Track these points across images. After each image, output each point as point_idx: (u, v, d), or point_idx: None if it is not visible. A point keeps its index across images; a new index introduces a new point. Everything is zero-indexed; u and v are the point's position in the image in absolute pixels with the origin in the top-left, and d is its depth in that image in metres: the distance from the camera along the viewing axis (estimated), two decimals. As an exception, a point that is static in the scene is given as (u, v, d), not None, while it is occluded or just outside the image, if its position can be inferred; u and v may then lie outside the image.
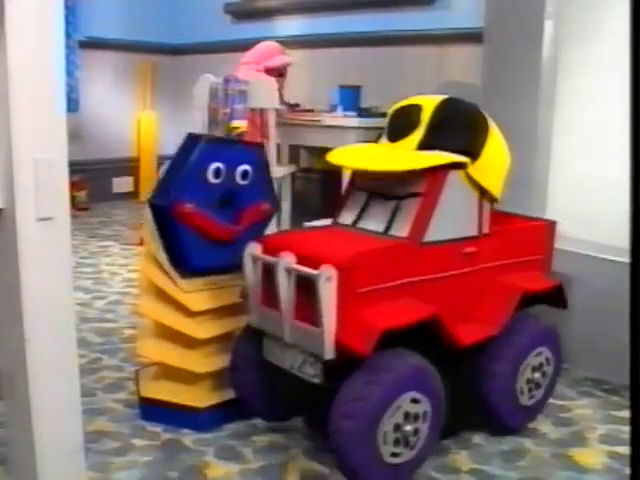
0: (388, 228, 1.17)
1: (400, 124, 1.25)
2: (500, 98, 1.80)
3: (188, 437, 1.29)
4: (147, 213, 1.27)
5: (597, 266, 1.59)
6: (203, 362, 1.31)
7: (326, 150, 1.30)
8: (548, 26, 1.69)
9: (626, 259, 0.79)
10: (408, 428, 1.06)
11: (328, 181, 3.25)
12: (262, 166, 1.31)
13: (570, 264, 1.66)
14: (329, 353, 1.04)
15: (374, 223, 1.20)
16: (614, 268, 1.52)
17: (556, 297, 1.36)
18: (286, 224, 3.12)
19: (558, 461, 1.25)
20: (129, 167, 4.03)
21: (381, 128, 1.33)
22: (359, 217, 1.23)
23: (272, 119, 2.83)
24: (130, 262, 2.58)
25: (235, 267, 1.27)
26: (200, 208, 1.22)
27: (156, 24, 4.05)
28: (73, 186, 3.42)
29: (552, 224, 1.41)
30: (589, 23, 1.70)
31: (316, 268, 1.03)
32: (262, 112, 2.84)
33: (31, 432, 0.92)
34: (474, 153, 1.20)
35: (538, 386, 1.32)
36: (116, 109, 3.99)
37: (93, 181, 3.74)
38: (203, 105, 2.87)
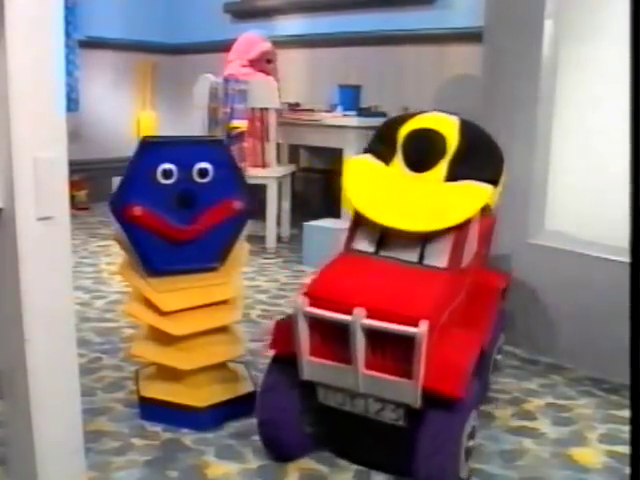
0: (422, 257, 1.15)
1: (423, 152, 1.21)
2: (500, 98, 1.80)
3: (188, 437, 1.29)
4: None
5: (597, 266, 1.60)
6: (186, 359, 1.30)
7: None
8: (548, 26, 1.68)
9: (626, 259, 0.79)
10: (471, 444, 1.12)
11: (328, 181, 3.25)
12: (226, 162, 1.27)
13: (570, 264, 1.66)
14: (420, 401, 1.04)
15: (403, 253, 1.16)
16: (614, 268, 1.52)
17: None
18: (286, 224, 3.12)
19: (558, 460, 1.25)
20: (129, 167, 4.02)
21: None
22: (380, 244, 1.19)
23: (272, 119, 2.84)
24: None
25: (205, 268, 1.27)
26: (152, 209, 1.21)
27: (156, 24, 4.05)
28: (73, 186, 3.42)
29: (494, 219, 1.47)
30: (589, 23, 1.70)
31: (395, 322, 1.02)
32: (262, 112, 2.84)
33: (31, 432, 0.92)
34: (497, 181, 1.22)
35: (497, 364, 1.53)
36: (116, 109, 3.99)
37: (93, 181, 3.74)
38: (203, 105, 2.88)
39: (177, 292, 1.28)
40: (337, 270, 1.16)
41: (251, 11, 3.78)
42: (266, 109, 2.83)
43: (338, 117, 2.83)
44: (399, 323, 1.02)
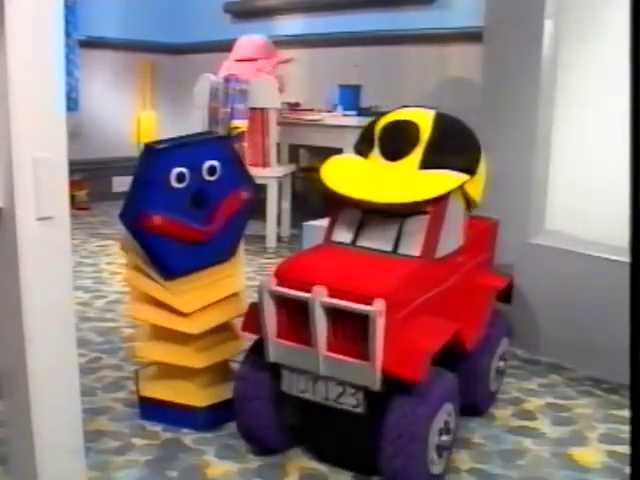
0: (396, 246, 1.16)
1: (397, 142, 1.23)
2: (500, 97, 1.80)
3: (188, 436, 1.29)
4: (122, 227, 1.26)
5: (597, 266, 1.60)
6: (199, 357, 1.31)
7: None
8: (548, 25, 1.68)
9: (626, 259, 0.79)
10: (445, 438, 1.10)
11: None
12: (231, 157, 1.28)
13: (570, 264, 1.66)
14: (378, 384, 1.03)
15: (378, 242, 1.18)
16: (614, 268, 1.52)
17: (504, 293, 1.45)
18: (286, 224, 3.12)
19: (558, 460, 1.25)
20: (129, 166, 4.01)
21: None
22: (357, 235, 1.21)
23: (272, 119, 2.84)
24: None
25: (219, 261, 1.30)
26: (169, 215, 1.21)
27: (156, 23, 4.05)
28: (73, 185, 3.42)
29: (497, 223, 1.50)
30: (589, 23, 1.69)
31: (355, 301, 1.02)
32: (262, 112, 2.84)
33: (31, 432, 0.92)
34: (472, 170, 1.22)
35: (503, 373, 1.47)
36: (116, 108, 3.99)
37: (93, 180, 3.74)
38: (203, 104, 2.88)
39: (193, 292, 1.29)
40: (308, 255, 1.19)
41: (251, 11, 3.78)
42: (266, 109, 2.83)
43: (338, 117, 2.83)
44: (357, 302, 1.02)
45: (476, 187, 1.26)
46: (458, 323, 1.16)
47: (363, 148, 1.29)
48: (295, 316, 1.09)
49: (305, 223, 2.69)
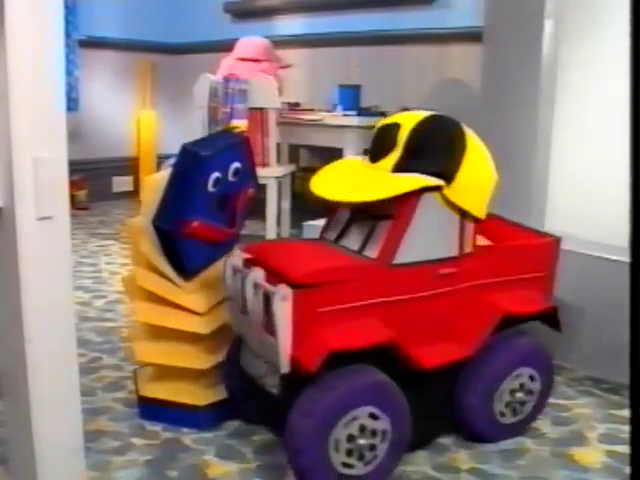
0: (363, 248, 1.18)
1: (380, 143, 1.23)
2: (500, 97, 1.80)
3: (188, 436, 1.29)
4: (149, 232, 1.26)
5: (597, 266, 1.59)
6: (205, 358, 1.31)
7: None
8: (548, 25, 1.68)
9: (626, 259, 0.79)
10: (363, 442, 1.08)
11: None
12: (248, 156, 1.31)
13: (570, 264, 1.66)
14: (284, 367, 1.06)
15: (352, 241, 1.21)
16: (614, 268, 1.52)
17: (551, 318, 1.32)
18: (286, 224, 3.12)
19: (558, 460, 1.25)
20: (129, 166, 4.03)
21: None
22: (341, 234, 1.24)
23: (272, 118, 2.83)
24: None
25: (225, 254, 1.31)
26: (204, 220, 1.22)
27: (156, 23, 4.05)
28: (73, 185, 3.43)
29: (556, 241, 1.35)
30: (589, 22, 1.69)
31: (277, 282, 1.06)
32: (262, 111, 2.84)
33: (31, 432, 0.92)
34: (449, 175, 1.16)
35: (523, 404, 1.30)
36: (116, 108, 3.99)
37: (93, 180, 3.74)
38: (203, 104, 2.87)
39: (203, 291, 1.30)
40: (280, 244, 1.26)
41: (251, 11, 3.78)
42: (266, 109, 2.83)
43: (338, 117, 2.83)
44: (278, 284, 1.06)
45: (466, 196, 1.18)
46: (399, 331, 1.12)
47: (368, 150, 1.30)
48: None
49: (305, 223, 2.69)
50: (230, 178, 1.27)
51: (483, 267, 1.25)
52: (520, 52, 1.73)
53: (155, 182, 1.26)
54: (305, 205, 3.24)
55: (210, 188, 1.23)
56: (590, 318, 1.61)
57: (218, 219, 1.26)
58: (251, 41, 3.07)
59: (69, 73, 3.46)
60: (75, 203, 3.54)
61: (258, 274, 1.10)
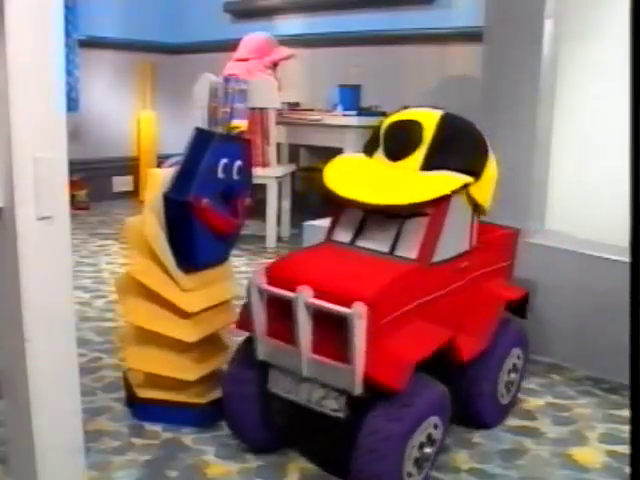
0: (393, 248, 1.15)
1: (400, 142, 1.21)
2: (500, 97, 1.80)
3: (188, 436, 1.29)
4: (154, 209, 1.25)
5: (597, 266, 1.60)
6: (192, 368, 1.30)
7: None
8: (548, 25, 1.68)
9: (626, 259, 0.79)
10: (428, 451, 1.08)
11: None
12: (249, 162, 1.33)
13: (570, 264, 1.66)
14: (359, 389, 1.02)
15: (376, 242, 1.16)
16: (614, 268, 1.52)
17: (519, 306, 1.39)
18: (286, 224, 3.12)
19: (558, 460, 1.25)
20: (129, 166, 4.03)
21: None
22: (357, 235, 1.19)
23: (272, 118, 2.84)
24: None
25: (224, 260, 1.33)
26: (212, 203, 1.23)
27: (156, 23, 4.05)
28: (73, 185, 3.42)
29: (517, 232, 1.46)
30: (589, 22, 1.70)
31: (339, 303, 1.00)
32: (262, 111, 2.84)
33: (31, 432, 0.92)
34: (477, 172, 1.19)
35: (513, 383, 1.38)
36: (116, 108, 3.99)
37: (93, 180, 3.74)
38: (203, 104, 2.88)
39: (199, 291, 1.29)
40: (302, 254, 1.17)
41: (251, 11, 3.78)
42: (266, 109, 2.83)
43: (338, 117, 2.83)
44: (341, 304, 1.00)
45: (483, 191, 1.23)
46: (454, 331, 1.14)
47: (369, 147, 1.28)
48: (283, 315, 1.08)
49: (305, 223, 2.69)
50: (235, 175, 1.28)
51: (481, 259, 1.29)
52: (520, 52, 1.73)
53: (160, 176, 1.26)
54: (305, 205, 3.24)
55: (220, 174, 1.24)
56: (590, 318, 1.61)
57: (223, 210, 1.27)
58: (248, 39, 3.06)
59: (69, 73, 3.46)
60: (75, 203, 3.54)
61: (308, 294, 1.04)
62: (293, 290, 1.04)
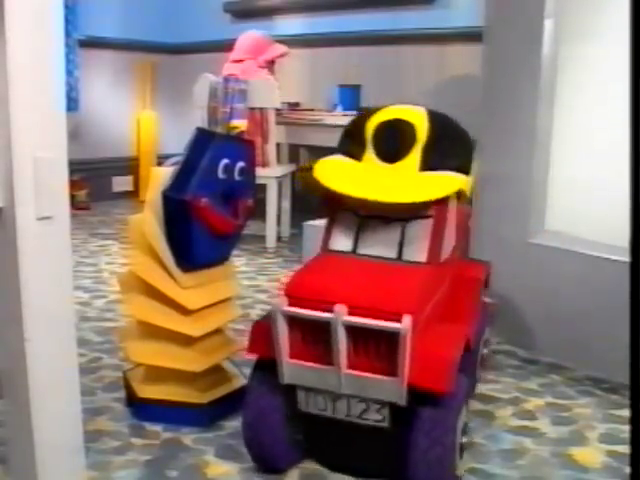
0: (400, 253, 1.14)
1: (394, 143, 1.18)
2: (500, 97, 1.80)
3: (188, 436, 1.29)
4: (154, 208, 1.25)
5: (597, 266, 1.60)
6: (198, 360, 1.30)
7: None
8: (548, 25, 1.68)
9: (626, 259, 0.79)
10: (465, 440, 1.11)
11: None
12: (252, 163, 1.33)
13: (570, 264, 1.66)
14: (402, 399, 1.02)
15: (381, 248, 1.14)
16: (614, 268, 1.52)
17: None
18: (286, 224, 3.12)
19: (558, 460, 1.25)
20: (129, 166, 4.03)
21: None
22: (357, 242, 1.17)
23: (272, 118, 2.84)
24: (130, 261, 2.58)
25: (224, 259, 1.34)
26: (211, 203, 1.23)
27: (156, 23, 4.05)
28: (73, 185, 3.42)
29: (470, 211, 1.47)
30: (589, 22, 1.70)
31: (378, 318, 1.00)
32: (262, 111, 2.84)
33: (31, 432, 0.92)
34: (468, 169, 1.21)
35: (486, 360, 1.53)
36: (116, 108, 3.99)
37: (93, 180, 3.74)
38: (203, 104, 2.88)
39: (199, 289, 1.30)
40: (315, 269, 1.14)
41: (251, 11, 3.78)
42: (265, 109, 2.83)
43: (338, 117, 2.83)
44: (381, 319, 1.00)
45: (469, 183, 1.24)
46: (462, 324, 1.15)
47: (353, 149, 1.22)
48: (309, 335, 1.05)
49: (305, 223, 2.69)
50: (236, 176, 1.28)
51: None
52: (520, 52, 1.73)
53: (161, 175, 1.26)
54: (305, 205, 3.24)
55: (220, 174, 1.24)
56: (590, 318, 1.61)
57: (223, 210, 1.27)
58: (241, 39, 3.05)
59: (69, 73, 3.46)
60: (75, 203, 3.54)
61: (344, 312, 1.01)
62: (322, 309, 1.02)
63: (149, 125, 4.06)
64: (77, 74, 3.56)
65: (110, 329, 1.85)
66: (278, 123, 2.90)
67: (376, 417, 1.06)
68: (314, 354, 1.06)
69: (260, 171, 2.80)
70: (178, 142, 1.29)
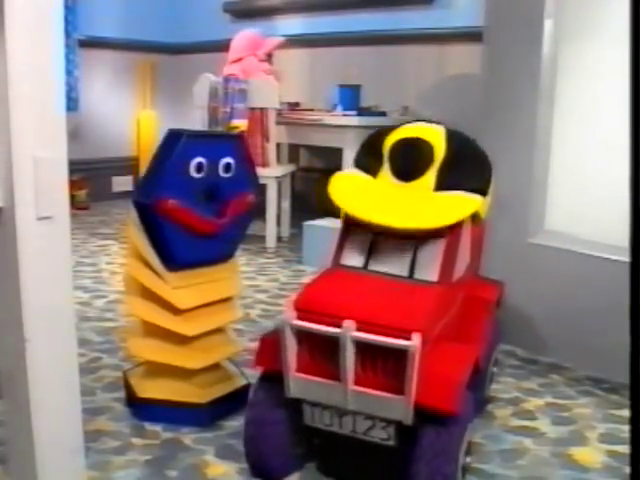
0: (412, 271, 1.12)
1: (411, 161, 1.18)
2: (500, 97, 1.80)
3: (188, 436, 1.29)
4: (132, 211, 1.27)
5: (597, 266, 1.60)
6: (196, 357, 1.31)
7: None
8: (548, 25, 1.69)
9: (626, 259, 0.79)
10: (468, 460, 1.11)
11: (328, 181, 3.25)
12: (244, 157, 1.30)
13: (570, 264, 1.66)
14: (409, 418, 1.01)
15: (392, 266, 1.13)
16: (614, 268, 1.52)
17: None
18: (286, 224, 3.12)
19: (558, 460, 1.25)
20: (129, 166, 4.03)
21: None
22: (368, 258, 1.16)
23: (272, 118, 2.84)
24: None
25: (220, 259, 1.31)
26: (184, 203, 1.22)
27: (156, 23, 4.05)
28: (73, 185, 3.43)
29: (484, 229, 1.40)
30: (589, 22, 1.70)
31: (387, 335, 0.99)
32: (262, 111, 2.84)
33: (31, 432, 0.92)
34: (485, 190, 1.19)
35: (493, 378, 1.49)
36: (116, 108, 3.99)
37: (93, 180, 3.74)
38: (203, 104, 2.88)
39: (191, 288, 1.29)
40: (324, 284, 1.12)
41: (251, 11, 3.78)
42: (265, 109, 2.83)
43: (338, 117, 2.83)
44: (391, 336, 0.99)
45: (485, 205, 1.22)
46: (472, 344, 1.14)
47: (370, 164, 1.22)
48: (317, 349, 1.05)
49: (305, 223, 2.69)
50: (221, 172, 1.26)
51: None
52: (520, 52, 1.73)
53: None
54: (305, 205, 3.24)
55: (193, 173, 1.22)
56: (590, 318, 1.61)
57: (205, 210, 1.25)
58: (234, 40, 3.05)
59: (69, 73, 3.46)
60: (75, 203, 3.54)
61: (353, 328, 1.00)
62: (331, 324, 1.01)
63: (149, 125, 4.07)
64: (77, 74, 3.56)
65: (110, 329, 1.85)
66: (278, 123, 2.90)
67: (382, 435, 1.05)
68: (321, 369, 1.05)
69: (260, 171, 2.79)
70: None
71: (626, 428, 1.35)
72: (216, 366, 1.37)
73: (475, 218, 1.23)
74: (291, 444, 1.13)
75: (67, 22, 3.41)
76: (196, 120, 2.91)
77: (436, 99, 3.00)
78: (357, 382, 1.02)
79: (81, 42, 3.56)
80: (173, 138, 1.24)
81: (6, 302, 0.93)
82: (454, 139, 1.20)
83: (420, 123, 1.24)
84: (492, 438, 1.32)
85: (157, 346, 1.32)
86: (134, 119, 4.07)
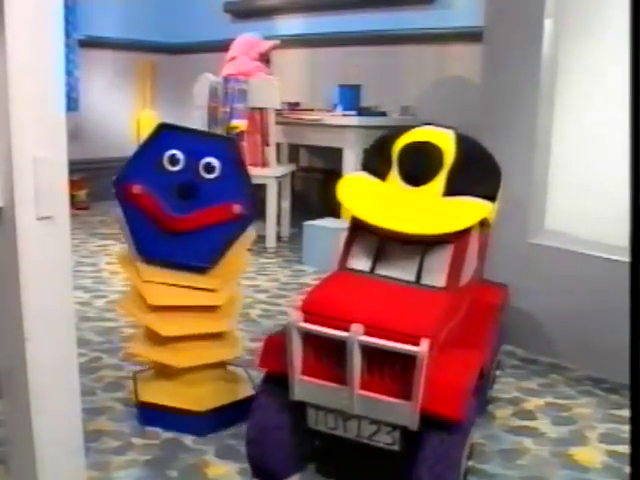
0: (419, 277, 1.12)
1: (420, 166, 1.17)
2: (500, 97, 1.80)
3: (188, 436, 1.29)
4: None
5: (597, 266, 1.60)
6: (178, 356, 1.30)
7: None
8: (548, 25, 1.69)
9: (626, 258, 0.79)
10: (470, 464, 1.12)
11: (328, 181, 3.25)
12: (234, 162, 1.25)
13: (570, 264, 1.66)
14: (414, 424, 1.00)
15: (399, 271, 1.13)
16: (614, 268, 1.52)
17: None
18: (286, 224, 3.12)
19: (558, 460, 1.25)
20: (129, 166, 4.02)
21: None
22: (375, 263, 1.15)
23: (272, 118, 2.84)
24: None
25: (194, 264, 1.26)
26: (151, 192, 1.21)
27: (156, 23, 4.05)
28: (73, 185, 3.43)
29: (488, 234, 1.38)
30: (589, 22, 1.70)
31: (395, 340, 0.98)
32: (262, 111, 2.84)
33: (31, 432, 0.92)
34: (494, 196, 1.19)
35: (495, 380, 1.51)
36: (116, 108, 3.99)
37: (93, 180, 3.74)
38: (203, 104, 2.88)
39: (164, 285, 1.27)
40: (332, 287, 1.12)
41: (251, 11, 3.78)
42: (265, 109, 2.83)
43: (338, 117, 2.83)
44: (398, 341, 0.98)
45: (494, 211, 1.22)
46: (478, 350, 1.14)
47: (378, 167, 1.21)
48: (323, 353, 1.04)
49: (305, 223, 2.69)
50: (201, 172, 1.23)
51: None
52: (520, 52, 1.73)
53: None
54: (305, 205, 3.24)
55: (167, 165, 1.22)
56: (590, 318, 1.61)
57: (174, 206, 1.23)
58: (233, 43, 3.05)
59: (69, 73, 3.46)
60: (75, 203, 3.54)
61: (360, 331, 0.99)
62: (338, 327, 1.01)
63: (149, 125, 4.06)
64: (77, 74, 3.56)
65: (110, 329, 1.85)
66: (278, 123, 2.90)
67: (386, 440, 1.04)
68: (327, 372, 1.04)
69: (260, 171, 2.80)
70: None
71: (626, 428, 1.35)
72: (220, 373, 1.36)
73: (483, 224, 1.23)
74: (293, 446, 1.13)
75: (67, 22, 3.41)
76: (196, 120, 2.91)
77: (436, 99, 2.99)
78: (363, 386, 1.02)
79: (81, 42, 3.56)
80: (156, 130, 1.25)
81: (6, 302, 0.93)
82: (464, 144, 1.19)
83: (430, 127, 1.23)
84: (492, 438, 1.32)
85: (150, 346, 1.32)
86: (134, 119, 4.06)
